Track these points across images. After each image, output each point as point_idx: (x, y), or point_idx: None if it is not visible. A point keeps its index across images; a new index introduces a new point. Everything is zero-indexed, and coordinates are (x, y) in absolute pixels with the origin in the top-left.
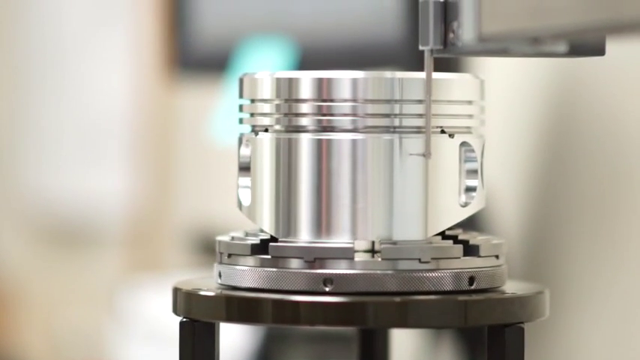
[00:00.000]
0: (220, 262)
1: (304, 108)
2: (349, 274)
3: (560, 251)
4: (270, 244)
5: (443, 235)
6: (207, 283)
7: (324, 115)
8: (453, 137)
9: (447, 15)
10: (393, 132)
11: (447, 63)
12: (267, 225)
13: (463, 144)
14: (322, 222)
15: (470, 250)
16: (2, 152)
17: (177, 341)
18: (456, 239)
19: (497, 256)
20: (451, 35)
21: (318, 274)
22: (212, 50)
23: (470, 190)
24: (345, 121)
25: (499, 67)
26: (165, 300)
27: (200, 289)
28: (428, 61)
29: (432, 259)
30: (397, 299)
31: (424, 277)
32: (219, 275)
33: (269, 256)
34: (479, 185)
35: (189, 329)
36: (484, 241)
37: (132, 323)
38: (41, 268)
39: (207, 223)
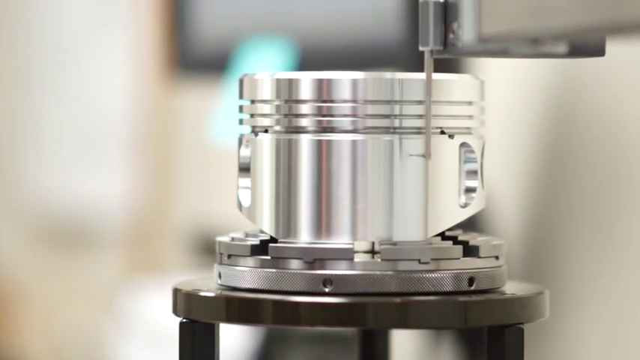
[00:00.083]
0: (220, 263)
1: (304, 109)
2: (349, 275)
3: (560, 252)
4: (270, 244)
5: (443, 235)
6: (207, 283)
7: (324, 115)
8: (452, 138)
9: (447, 16)
10: (393, 133)
11: (447, 64)
12: (267, 226)
13: (463, 145)
14: (322, 223)
15: (470, 250)
16: (2, 153)
17: (177, 342)
18: (455, 240)
19: (497, 257)
20: (451, 36)
21: (318, 274)
22: (212, 51)
23: (470, 190)
24: (345, 122)
25: (499, 68)
26: (165, 301)
27: (200, 290)
28: (428, 61)
29: (432, 259)
30: (397, 300)
31: (424, 277)
32: (219, 276)
33: (269, 257)
34: (479, 186)
35: (189, 330)
36: (484, 242)
37: (132, 324)
38: (41, 268)
39: (208, 224)
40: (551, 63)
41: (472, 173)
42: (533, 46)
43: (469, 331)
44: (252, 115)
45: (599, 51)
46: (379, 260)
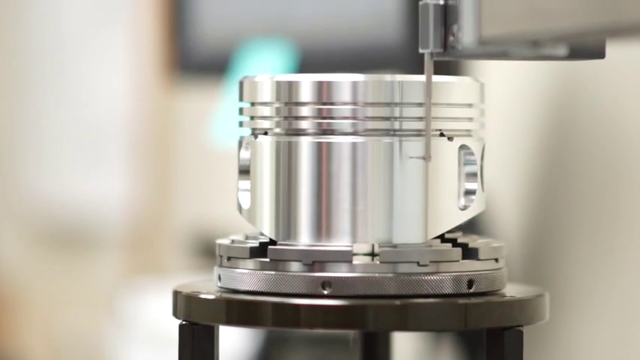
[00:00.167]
0: (220, 265)
1: (304, 111)
2: (347, 277)
3: (560, 254)
4: (269, 247)
5: (442, 238)
6: (207, 286)
7: (324, 118)
8: (452, 140)
9: (447, 18)
10: (393, 135)
11: (447, 66)
12: (266, 228)
13: (462, 147)
14: (322, 225)
15: (469, 253)
16: (2, 154)
17: (177, 344)
18: (455, 242)
19: (496, 260)
20: (451, 38)
21: (317, 277)
22: (212, 53)
23: (469, 193)
24: (345, 124)
25: (499, 71)
26: (165, 303)
27: (200, 293)
28: (428, 64)
29: (431, 262)
30: (397, 302)
31: (423, 280)
32: (219, 278)
33: (268, 260)
34: (478, 188)
35: (188, 332)
36: (483, 245)
37: (132, 326)
38: (41, 270)
39: (208, 226)
40: (551, 65)
41: (472, 175)
42: (533, 48)
43: (469, 334)
44: (252, 118)
45: (599, 53)
46: (378, 262)
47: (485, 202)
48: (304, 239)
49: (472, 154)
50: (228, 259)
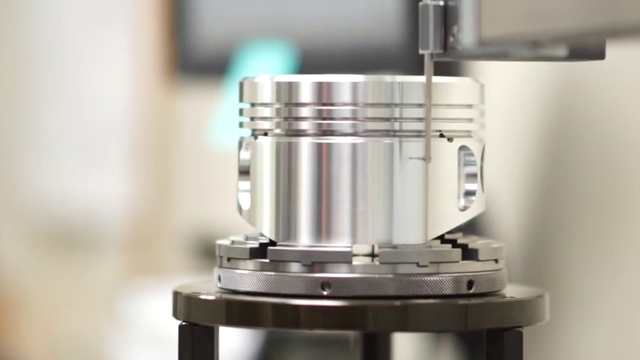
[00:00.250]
0: (220, 266)
1: (304, 112)
2: (347, 278)
3: (560, 255)
4: (269, 247)
5: (442, 238)
6: (207, 286)
7: (324, 118)
8: (451, 141)
9: (447, 19)
10: (393, 136)
11: (447, 67)
12: (266, 229)
13: (462, 148)
14: (322, 226)
15: (469, 254)
16: (2, 154)
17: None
18: (455, 243)
19: (496, 260)
20: (451, 39)
21: (316, 277)
22: (212, 54)
23: (469, 194)
24: (345, 125)
25: (499, 71)
26: (165, 304)
27: (200, 293)
28: (428, 64)
29: (431, 263)
30: (397, 303)
31: (422, 280)
32: (219, 279)
33: (268, 260)
34: (478, 189)
35: (188, 333)
36: (483, 245)
37: (132, 327)
38: (41, 271)
39: (208, 227)
40: (551, 66)
41: (472, 176)
42: (533, 49)
43: (469, 334)
44: (252, 118)
45: (599, 54)
46: (377, 263)
47: (485, 202)
48: (304, 240)
49: (472, 154)
50: (228, 259)
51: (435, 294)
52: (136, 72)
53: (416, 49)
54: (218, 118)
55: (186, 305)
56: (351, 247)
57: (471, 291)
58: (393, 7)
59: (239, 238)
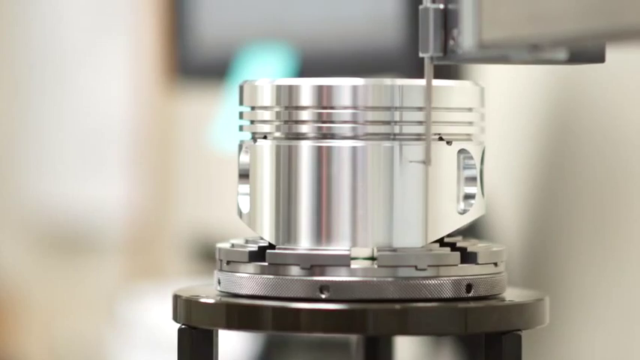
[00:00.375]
0: (220, 270)
1: (304, 115)
2: (345, 282)
3: (560, 258)
4: (268, 251)
5: (441, 242)
6: (207, 290)
7: (324, 122)
8: (450, 144)
9: (447, 22)
10: (393, 139)
11: (447, 70)
12: (266, 232)
13: (461, 151)
14: (322, 229)
15: (468, 257)
16: (2, 159)
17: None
18: (454, 246)
19: (496, 264)
20: (451, 42)
21: (315, 281)
22: (212, 57)
23: (469, 197)
24: (345, 128)
25: (499, 75)
26: (165, 307)
27: (200, 297)
28: (428, 68)
29: (429, 266)
30: (397, 306)
31: (421, 284)
32: (219, 282)
33: (267, 264)
34: (478, 192)
35: (187, 336)
36: (482, 249)
37: (132, 330)
38: (41, 275)
39: (208, 231)
40: (551, 69)
41: (471, 179)
42: (533, 52)
43: (470, 337)
44: (252, 122)
45: (599, 57)
46: (376, 267)
47: (484, 206)
48: (304, 243)
49: (472, 158)
50: (228, 263)
51: (433, 297)
52: (136, 76)
53: (416, 52)
54: (218, 122)
55: (186, 308)
56: (349, 250)
57: (470, 294)
58: (393, 10)
59: (239, 241)
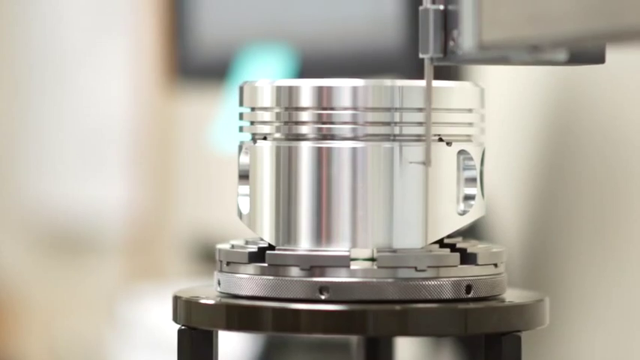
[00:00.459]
0: (220, 270)
1: (304, 116)
2: (345, 282)
3: (560, 259)
4: (268, 252)
5: (441, 243)
6: (207, 291)
7: (324, 123)
8: (450, 145)
9: (448, 23)
10: (393, 140)
11: (447, 71)
12: (266, 233)
13: (461, 152)
14: (322, 230)
15: (467, 258)
16: (2, 159)
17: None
18: (453, 247)
19: (495, 265)
20: (451, 43)
21: (314, 282)
22: (212, 58)
23: (468, 198)
24: (345, 129)
25: (499, 76)
26: (165, 308)
27: (199, 297)
28: (428, 69)
29: (429, 267)
30: (396, 307)
31: (421, 285)
32: (219, 283)
33: (267, 264)
34: (478, 193)
35: (187, 337)
36: (482, 250)
37: (132, 331)
38: (41, 275)
39: (208, 231)
40: (551, 70)
41: (471, 180)
42: (533, 53)
43: (469, 338)
44: (252, 123)
45: (599, 58)
46: (376, 267)
47: (484, 207)
48: (304, 244)
49: (472, 159)
50: (228, 264)
51: (433, 298)
52: (136, 76)
53: (416, 53)
54: (218, 123)
55: (185, 309)
56: (349, 251)
57: (470, 295)
58: (394, 11)
59: (239, 242)
